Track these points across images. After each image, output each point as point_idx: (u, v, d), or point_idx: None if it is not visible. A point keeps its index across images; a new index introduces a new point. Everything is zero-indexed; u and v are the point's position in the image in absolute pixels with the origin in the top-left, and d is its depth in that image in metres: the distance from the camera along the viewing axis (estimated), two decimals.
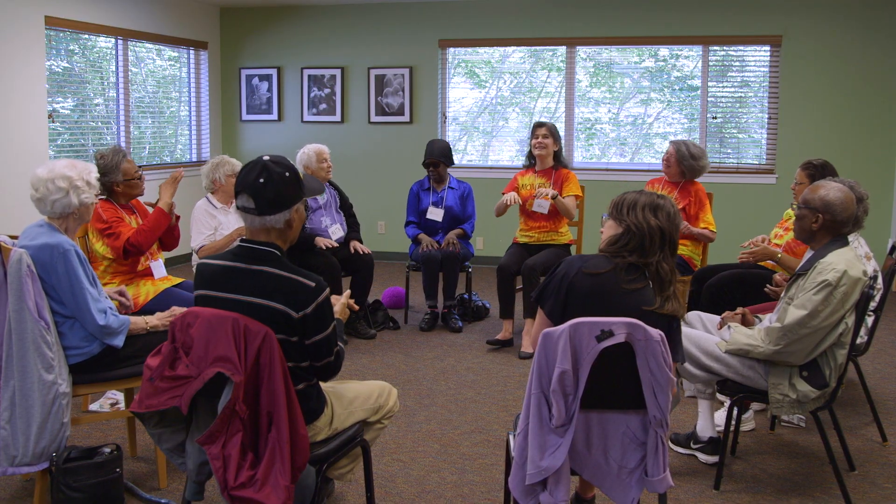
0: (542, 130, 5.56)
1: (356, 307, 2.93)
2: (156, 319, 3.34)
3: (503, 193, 5.73)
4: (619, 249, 2.59)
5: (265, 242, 2.46)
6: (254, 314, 2.36)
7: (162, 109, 8.14)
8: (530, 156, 5.70)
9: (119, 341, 3.13)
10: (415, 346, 5.46)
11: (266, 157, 2.45)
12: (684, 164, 5.11)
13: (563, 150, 5.69)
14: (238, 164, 4.89)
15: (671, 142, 5.22)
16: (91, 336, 3.10)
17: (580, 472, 2.48)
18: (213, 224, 4.84)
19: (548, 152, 5.53)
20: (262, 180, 2.40)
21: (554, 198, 5.33)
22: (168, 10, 7.90)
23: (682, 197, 5.13)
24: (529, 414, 2.39)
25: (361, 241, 5.74)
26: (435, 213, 5.95)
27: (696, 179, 5.20)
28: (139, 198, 4.21)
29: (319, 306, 2.41)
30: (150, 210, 4.15)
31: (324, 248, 5.38)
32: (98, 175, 3.25)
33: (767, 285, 4.08)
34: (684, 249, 5.12)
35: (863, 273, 3.13)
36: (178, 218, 4.24)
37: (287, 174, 2.44)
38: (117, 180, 3.94)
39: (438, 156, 5.91)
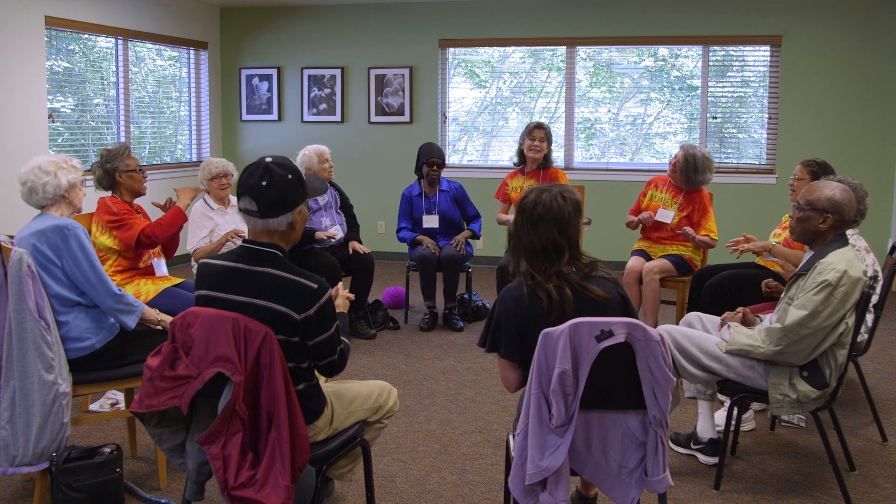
0: (541, 133, 5.55)
1: (351, 297, 2.91)
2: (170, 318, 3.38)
3: (495, 197, 5.80)
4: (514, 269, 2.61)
5: (267, 244, 2.45)
6: (255, 315, 2.36)
7: (162, 109, 8.14)
8: (521, 154, 5.73)
9: (132, 321, 3.19)
10: (415, 346, 5.46)
11: (269, 159, 2.43)
12: (687, 175, 5.07)
13: (555, 150, 5.76)
14: (219, 164, 4.92)
15: (682, 147, 5.13)
16: (96, 327, 3.11)
17: (580, 472, 2.48)
18: (209, 225, 4.86)
19: (541, 156, 5.57)
20: (264, 183, 2.38)
21: None
22: (168, 10, 7.89)
23: (687, 203, 5.13)
24: (529, 414, 2.39)
25: (361, 242, 5.73)
26: (430, 221, 5.92)
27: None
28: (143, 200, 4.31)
29: (321, 308, 2.41)
30: (153, 213, 4.25)
31: (325, 238, 5.39)
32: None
33: (764, 282, 3.97)
34: (684, 250, 5.12)
35: (863, 273, 3.13)
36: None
37: (290, 176, 2.42)
38: (119, 168, 4.04)
39: (438, 154, 5.89)
